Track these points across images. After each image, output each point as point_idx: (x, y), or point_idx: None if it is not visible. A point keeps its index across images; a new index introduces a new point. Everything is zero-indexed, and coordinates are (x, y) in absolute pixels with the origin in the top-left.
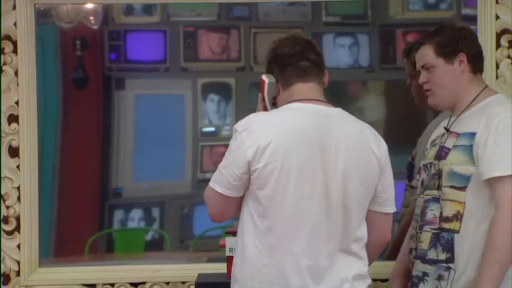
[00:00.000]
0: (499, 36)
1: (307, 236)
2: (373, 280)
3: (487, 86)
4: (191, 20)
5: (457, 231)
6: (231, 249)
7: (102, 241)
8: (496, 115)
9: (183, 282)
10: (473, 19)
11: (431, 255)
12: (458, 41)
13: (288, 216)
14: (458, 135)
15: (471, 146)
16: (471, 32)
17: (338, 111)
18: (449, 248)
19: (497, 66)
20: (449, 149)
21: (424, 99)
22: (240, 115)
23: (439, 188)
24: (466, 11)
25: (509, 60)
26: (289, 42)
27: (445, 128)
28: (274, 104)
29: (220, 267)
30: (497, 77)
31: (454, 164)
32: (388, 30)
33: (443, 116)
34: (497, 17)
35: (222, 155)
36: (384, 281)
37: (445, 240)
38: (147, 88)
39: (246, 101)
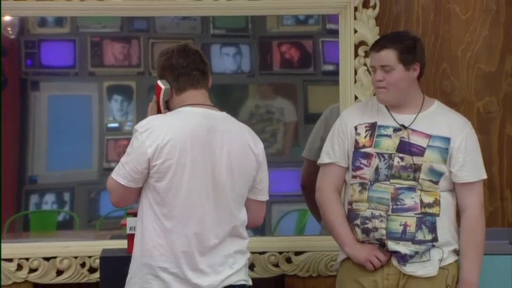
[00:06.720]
0: (356, 47)
1: (198, 221)
2: (297, 253)
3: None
4: (97, 32)
5: (438, 215)
6: (131, 228)
7: (19, 222)
8: (463, 125)
9: (90, 257)
10: (335, 32)
11: (419, 236)
12: (417, 52)
13: (182, 204)
14: (429, 136)
15: (446, 149)
16: (423, 44)
17: (223, 114)
18: (433, 229)
19: (356, 73)
20: (422, 147)
21: None
22: (140, 113)
23: (414, 179)
24: (330, 25)
25: (365, 68)
26: (183, 53)
27: (402, 125)
28: (167, 106)
29: (121, 244)
30: (355, 81)
31: (433, 162)
32: (265, 41)
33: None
34: (356, 31)
35: (125, 147)
36: (297, 254)
37: (429, 223)
38: (59, 90)
39: (146, 101)
